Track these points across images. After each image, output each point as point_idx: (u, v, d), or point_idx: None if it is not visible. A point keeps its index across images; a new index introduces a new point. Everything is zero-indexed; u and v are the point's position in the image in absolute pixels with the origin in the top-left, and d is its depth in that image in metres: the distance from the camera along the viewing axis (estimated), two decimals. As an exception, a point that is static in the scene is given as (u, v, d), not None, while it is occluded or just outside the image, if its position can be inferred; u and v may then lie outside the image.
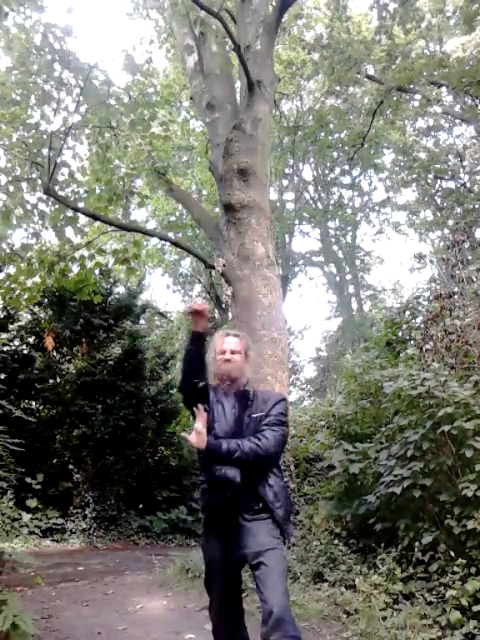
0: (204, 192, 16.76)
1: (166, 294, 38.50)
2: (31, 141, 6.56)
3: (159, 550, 8.64)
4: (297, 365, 21.69)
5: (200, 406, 2.38)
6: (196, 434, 2.34)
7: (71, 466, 9.86)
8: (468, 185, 14.26)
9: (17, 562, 4.38)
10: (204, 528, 2.62)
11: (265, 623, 2.17)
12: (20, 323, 10.59)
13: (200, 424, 2.34)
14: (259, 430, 2.45)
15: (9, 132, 6.73)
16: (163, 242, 16.57)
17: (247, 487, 2.41)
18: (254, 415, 2.52)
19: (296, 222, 20.24)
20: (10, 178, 7.02)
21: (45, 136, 6.48)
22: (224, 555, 2.44)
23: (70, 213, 7.09)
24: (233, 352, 2.62)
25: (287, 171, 19.20)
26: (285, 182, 20.18)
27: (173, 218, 17.69)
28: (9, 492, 7.23)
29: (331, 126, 14.97)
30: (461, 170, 14.69)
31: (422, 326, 6.24)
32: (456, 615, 3.26)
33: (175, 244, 9.85)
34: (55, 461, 9.80)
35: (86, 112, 6.65)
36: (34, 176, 6.97)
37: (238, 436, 2.44)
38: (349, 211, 21.10)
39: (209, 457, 2.41)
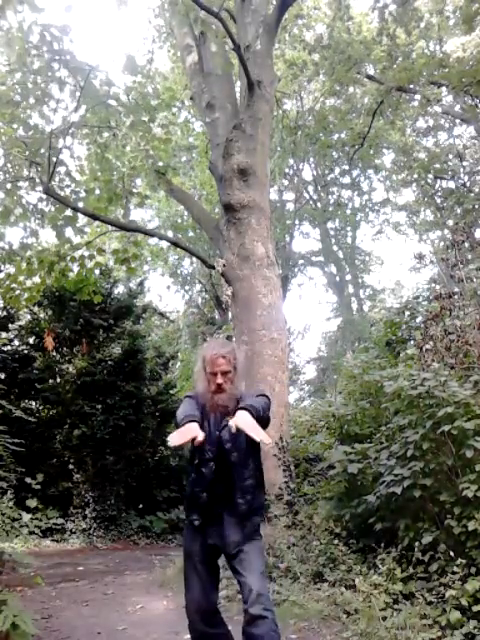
0: (203, 192, 16.75)
1: (166, 294, 38.53)
2: (31, 141, 6.55)
3: (159, 550, 8.64)
4: (297, 365, 21.68)
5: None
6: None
7: (71, 466, 9.86)
8: (468, 185, 14.26)
9: (17, 562, 4.39)
10: (188, 523, 2.69)
11: (246, 599, 2.40)
12: (20, 323, 10.60)
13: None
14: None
15: (9, 132, 6.73)
16: (163, 242, 16.59)
17: (227, 489, 2.55)
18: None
19: (296, 222, 20.24)
20: (9, 177, 7.01)
21: (45, 136, 6.48)
22: (203, 545, 2.59)
23: (69, 213, 7.09)
24: (225, 374, 2.61)
25: (287, 171, 19.19)
26: (285, 182, 20.18)
27: (179, 220, 17.68)
28: (9, 492, 7.24)
29: (331, 126, 14.96)
30: (461, 170, 14.70)
31: (422, 326, 6.23)
32: (456, 615, 3.26)
33: (175, 244, 9.86)
34: (55, 461, 9.80)
35: (86, 112, 6.65)
36: (33, 176, 6.96)
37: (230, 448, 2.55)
38: (349, 211, 21.11)
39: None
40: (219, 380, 2.60)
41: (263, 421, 2.48)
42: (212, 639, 2.61)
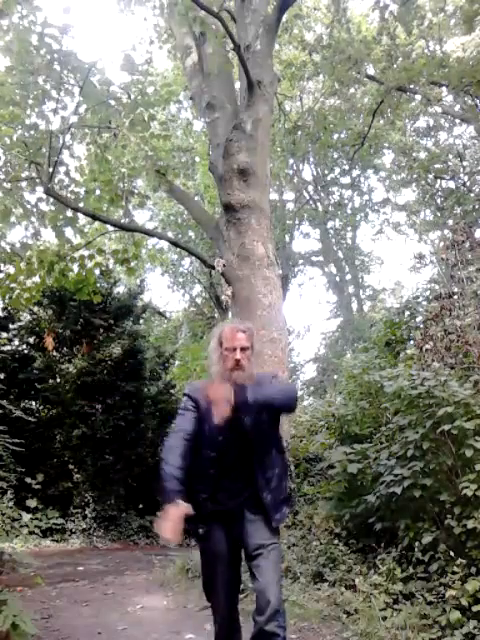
0: (206, 196, 16.74)
1: (166, 294, 38.52)
2: (31, 141, 6.54)
3: (159, 550, 8.65)
4: (297, 365, 21.67)
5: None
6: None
7: (71, 466, 9.86)
8: (468, 185, 14.26)
9: (17, 562, 4.39)
10: (204, 522, 2.48)
11: (261, 611, 2.28)
12: (20, 323, 10.60)
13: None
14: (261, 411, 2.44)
15: (9, 132, 6.72)
16: (163, 242, 16.59)
17: (248, 486, 2.43)
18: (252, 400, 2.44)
19: (296, 222, 20.23)
20: (8, 177, 7.00)
21: (45, 136, 6.47)
22: (229, 547, 2.45)
23: (70, 213, 7.08)
24: (243, 349, 2.46)
25: (287, 171, 19.18)
26: (285, 182, 20.17)
27: (179, 220, 17.67)
28: (9, 492, 7.25)
29: (331, 126, 14.95)
30: (461, 170, 14.69)
31: (422, 326, 6.24)
32: (456, 615, 3.26)
33: (175, 244, 9.85)
34: (55, 461, 9.80)
35: (85, 112, 6.64)
36: (34, 175, 6.95)
37: (239, 437, 2.42)
38: (349, 211, 21.10)
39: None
40: (238, 356, 2.43)
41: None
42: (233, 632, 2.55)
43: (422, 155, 15.52)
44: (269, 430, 2.50)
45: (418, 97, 12.50)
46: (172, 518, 2.19)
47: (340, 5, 11.41)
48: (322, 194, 21.18)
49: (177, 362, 14.43)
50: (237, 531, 2.44)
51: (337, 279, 22.61)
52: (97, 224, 8.69)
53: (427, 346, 5.04)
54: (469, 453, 3.68)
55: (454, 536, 3.64)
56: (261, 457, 2.44)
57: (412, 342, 7.09)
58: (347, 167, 17.91)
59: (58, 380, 10.38)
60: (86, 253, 7.69)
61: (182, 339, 18.07)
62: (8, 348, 10.24)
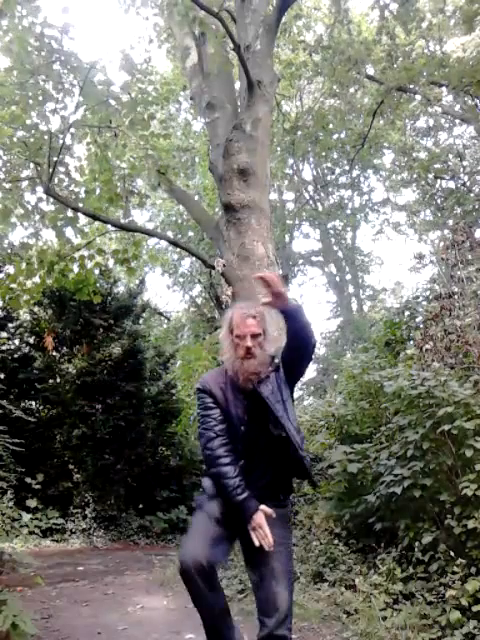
0: (206, 198, 16.73)
1: (166, 294, 38.51)
2: (32, 140, 6.55)
3: (159, 550, 8.64)
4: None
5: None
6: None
7: (71, 466, 9.86)
8: (468, 185, 14.26)
9: (17, 562, 4.39)
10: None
11: (271, 615, 2.20)
12: (20, 323, 10.60)
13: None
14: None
15: (9, 132, 6.73)
16: (163, 243, 16.58)
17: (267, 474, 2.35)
18: (275, 373, 2.37)
19: (296, 222, 20.25)
20: (8, 177, 7.01)
21: (45, 136, 6.48)
22: (230, 522, 2.25)
23: (70, 213, 7.09)
24: (254, 336, 2.32)
25: (287, 171, 19.19)
26: (285, 182, 20.18)
27: (179, 220, 17.66)
28: (9, 492, 7.25)
29: (331, 126, 14.96)
30: (461, 170, 14.70)
31: (422, 326, 6.24)
32: (456, 615, 3.26)
33: (175, 244, 9.86)
34: (55, 461, 9.79)
35: (86, 111, 6.64)
36: (34, 176, 6.96)
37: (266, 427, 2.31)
38: (349, 211, 21.10)
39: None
40: (248, 343, 2.29)
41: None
42: (211, 605, 2.20)
43: (422, 155, 15.53)
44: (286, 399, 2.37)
45: (418, 97, 12.51)
46: (263, 525, 2.16)
47: (341, 5, 11.41)
48: (322, 194, 21.19)
49: (179, 361, 14.42)
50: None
51: (337, 279, 22.63)
52: (97, 224, 8.68)
53: (427, 346, 5.04)
54: (469, 453, 3.68)
55: (454, 536, 3.64)
56: (286, 419, 2.30)
57: (412, 342, 7.09)
58: (347, 167, 17.90)
59: (58, 380, 10.38)
60: (86, 253, 7.69)
61: (183, 340, 18.07)
62: (8, 348, 10.24)
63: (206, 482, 2.38)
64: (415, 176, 14.91)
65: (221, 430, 2.31)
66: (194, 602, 2.18)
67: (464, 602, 3.28)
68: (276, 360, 2.42)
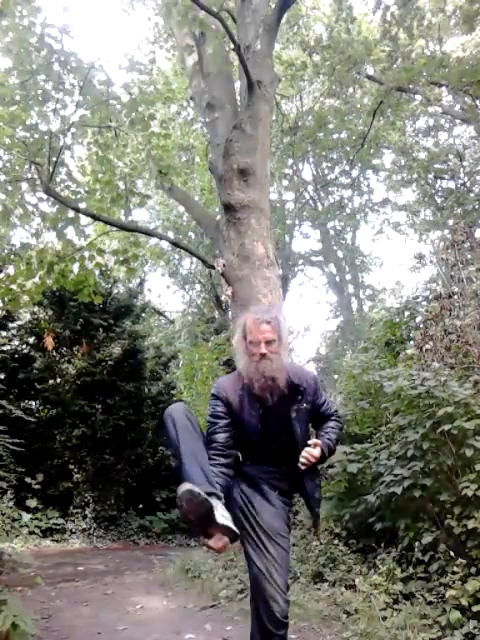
0: (204, 198, 16.72)
1: (166, 294, 38.49)
2: (32, 140, 6.54)
3: (159, 550, 8.65)
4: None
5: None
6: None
7: (71, 466, 9.87)
8: (468, 185, 14.26)
9: (17, 562, 4.39)
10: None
11: (273, 617, 2.20)
12: (20, 323, 10.61)
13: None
14: (316, 419, 2.44)
15: (9, 132, 6.72)
16: (163, 243, 16.58)
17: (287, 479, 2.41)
18: (303, 406, 2.36)
19: (296, 222, 20.24)
20: (9, 177, 7.00)
21: (46, 136, 6.47)
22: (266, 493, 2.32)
23: (71, 214, 7.08)
24: (269, 343, 2.26)
25: (287, 171, 19.18)
26: (285, 182, 20.18)
27: (179, 221, 17.65)
28: (9, 492, 7.26)
29: (331, 126, 14.96)
30: (461, 170, 14.69)
31: (422, 326, 6.23)
32: (456, 615, 3.26)
33: (175, 244, 9.84)
34: (55, 461, 9.81)
35: (87, 111, 6.63)
36: (34, 176, 6.95)
37: (280, 436, 2.36)
38: (349, 211, 21.08)
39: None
40: (262, 350, 2.24)
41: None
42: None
43: (422, 155, 15.51)
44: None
45: (418, 97, 12.50)
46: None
47: (343, 3, 11.38)
48: (322, 194, 21.19)
49: (181, 361, 14.42)
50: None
51: (337, 279, 22.61)
52: (97, 224, 8.68)
53: (427, 346, 5.04)
54: (469, 453, 3.68)
55: (454, 536, 3.64)
56: (302, 444, 2.33)
57: (412, 342, 7.09)
58: (347, 167, 17.90)
59: (58, 380, 10.39)
60: (86, 254, 7.68)
61: (181, 342, 18.05)
62: (8, 348, 10.24)
63: None
64: (415, 176, 14.91)
65: (224, 439, 2.29)
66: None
67: (464, 602, 3.28)
68: (302, 388, 2.39)
